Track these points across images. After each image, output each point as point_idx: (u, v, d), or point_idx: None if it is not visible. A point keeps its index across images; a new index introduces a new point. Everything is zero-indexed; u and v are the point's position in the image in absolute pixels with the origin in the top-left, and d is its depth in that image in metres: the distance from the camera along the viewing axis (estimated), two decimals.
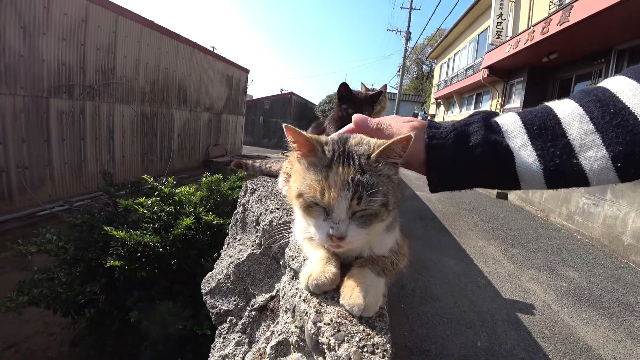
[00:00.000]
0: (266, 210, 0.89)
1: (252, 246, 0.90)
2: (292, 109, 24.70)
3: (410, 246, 0.68)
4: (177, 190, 2.21)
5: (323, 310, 0.51)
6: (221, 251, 1.11)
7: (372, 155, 0.53)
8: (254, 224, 0.92)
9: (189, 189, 2.26)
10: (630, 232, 4.14)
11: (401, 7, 26.53)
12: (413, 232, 4.51)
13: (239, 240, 1.07)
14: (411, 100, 31.24)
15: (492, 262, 3.79)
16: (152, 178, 2.37)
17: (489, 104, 12.58)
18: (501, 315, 2.69)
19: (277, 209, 0.86)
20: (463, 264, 3.67)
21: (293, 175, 0.59)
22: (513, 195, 7.06)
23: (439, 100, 19.11)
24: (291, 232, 0.70)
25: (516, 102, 10.43)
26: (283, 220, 0.80)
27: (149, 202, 2.13)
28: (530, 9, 10.00)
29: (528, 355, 2.26)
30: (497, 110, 11.49)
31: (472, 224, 5.22)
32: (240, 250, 0.97)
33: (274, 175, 1.18)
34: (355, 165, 0.52)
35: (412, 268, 3.42)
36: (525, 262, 3.85)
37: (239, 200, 1.13)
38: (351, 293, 0.53)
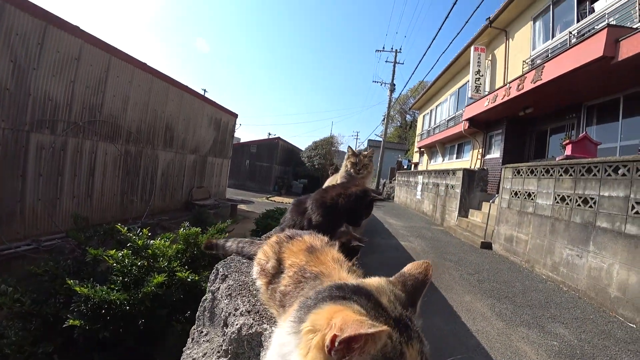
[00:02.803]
0: (236, 310, 0.78)
1: (219, 352, 0.78)
2: (278, 153, 25.00)
3: None
4: (151, 242, 2.07)
5: None
6: (184, 349, 0.94)
7: (408, 308, 0.48)
8: (222, 324, 0.80)
9: (164, 241, 2.12)
10: (616, 284, 4.11)
11: (386, 61, 28.29)
12: None
13: (205, 335, 0.94)
14: (395, 148, 32.33)
15: (480, 319, 3.65)
16: (125, 228, 2.22)
17: (470, 154, 13.02)
18: None
19: (249, 311, 0.75)
20: (451, 323, 3.51)
21: None
22: (497, 245, 7.06)
23: (422, 149, 19.69)
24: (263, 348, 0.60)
25: (496, 152, 10.85)
26: (254, 330, 0.70)
27: (120, 254, 1.97)
28: (505, 67, 10.77)
29: None
30: (478, 160, 11.87)
31: (457, 277, 5.12)
32: (205, 354, 0.84)
33: (247, 257, 1.07)
34: (415, 330, 0.45)
35: None
36: (514, 319, 3.72)
37: (208, 285, 1.00)
38: None
